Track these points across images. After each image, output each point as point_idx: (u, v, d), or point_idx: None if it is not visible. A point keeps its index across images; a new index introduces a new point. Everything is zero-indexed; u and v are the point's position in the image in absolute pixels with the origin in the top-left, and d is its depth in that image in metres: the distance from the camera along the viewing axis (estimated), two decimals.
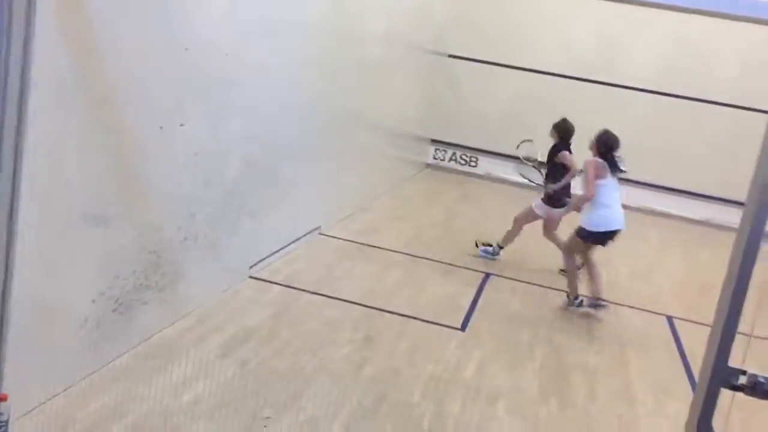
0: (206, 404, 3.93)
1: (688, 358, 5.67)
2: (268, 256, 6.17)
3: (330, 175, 7.39)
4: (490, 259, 7.36)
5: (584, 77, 11.56)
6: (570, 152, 6.98)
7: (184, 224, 4.72)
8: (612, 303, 6.79)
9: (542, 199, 7.14)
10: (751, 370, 1.93)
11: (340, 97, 7.29)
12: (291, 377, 4.37)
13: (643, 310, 6.77)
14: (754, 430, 4.56)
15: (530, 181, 7.61)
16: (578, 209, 6.43)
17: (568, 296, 6.32)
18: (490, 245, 7.42)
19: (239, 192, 5.38)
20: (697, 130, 11.25)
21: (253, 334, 4.85)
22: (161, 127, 4.27)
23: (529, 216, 7.23)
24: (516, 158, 8.05)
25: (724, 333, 1.91)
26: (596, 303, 6.19)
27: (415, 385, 4.53)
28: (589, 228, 6.08)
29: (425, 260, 7.12)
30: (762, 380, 1.90)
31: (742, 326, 1.95)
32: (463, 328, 5.60)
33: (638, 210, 11.37)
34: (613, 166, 6.10)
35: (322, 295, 5.75)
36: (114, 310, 4.08)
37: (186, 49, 4.34)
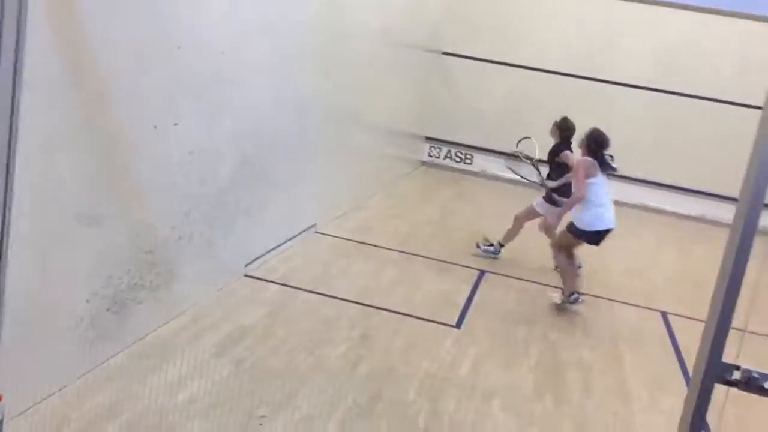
0: (201, 403, 3.93)
1: (683, 354, 5.69)
2: (263, 255, 6.16)
3: (325, 173, 7.39)
4: (491, 257, 7.36)
5: (579, 74, 11.59)
6: (571, 151, 6.99)
7: (179, 223, 4.71)
8: (606, 299, 6.83)
9: (543, 197, 7.14)
10: (745, 366, 1.94)
11: (335, 95, 7.29)
12: (286, 376, 4.37)
13: (637, 306, 6.79)
14: (749, 425, 4.57)
15: (521, 177, 7.59)
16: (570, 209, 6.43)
17: (562, 292, 6.32)
18: (492, 244, 7.42)
19: (234, 190, 5.37)
20: (691, 126, 11.29)
21: (249, 333, 4.85)
22: (155, 126, 4.26)
23: (530, 214, 7.23)
24: (508, 154, 8.05)
25: (717, 328, 1.91)
26: (574, 297, 6.17)
27: (411, 383, 4.53)
28: (581, 227, 6.06)
29: (421, 258, 7.12)
30: (756, 375, 1.91)
31: (736, 322, 1.95)
32: (458, 325, 5.61)
33: (633, 206, 11.42)
34: (604, 165, 6.09)
35: (318, 293, 5.75)
36: (108, 310, 4.07)
37: (179, 47, 4.33)
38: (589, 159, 6.06)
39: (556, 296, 6.29)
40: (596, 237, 6.13)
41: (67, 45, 3.43)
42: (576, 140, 6.97)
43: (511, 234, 7.32)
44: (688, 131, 11.31)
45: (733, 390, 1.95)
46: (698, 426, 2.00)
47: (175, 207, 4.65)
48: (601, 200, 6.04)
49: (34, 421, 3.50)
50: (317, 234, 7.30)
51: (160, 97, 4.27)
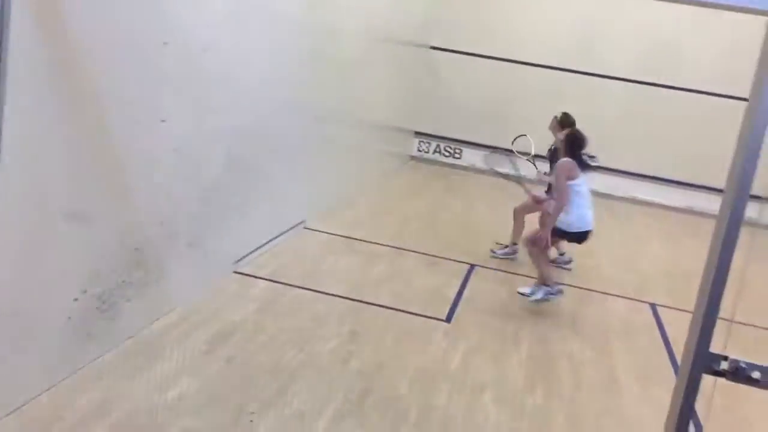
0: (191, 400, 3.92)
1: (672, 345, 5.73)
2: (252, 251, 6.15)
3: (314, 168, 7.37)
4: (511, 259, 7.34)
5: (566, 67, 11.62)
6: None
7: (167, 220, 4.69)
8: (596, 291, 6.86)
9: (546, 191, 7.14)
10: (732, 356, 1.95)
11: (323, 91, 7.27)
12: (277, 372, 4.36)
13: (626, 298, 6.82)
14: (737, 415, 4.61)
15: (499, 172, 7.42)
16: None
17: (539, 284, 6.20)
18: (506, 246, 7.42)
19: (222, 187, 5.35)
20: (678, 118, 11.35)
21: (239, 330, 4.84)
22: (142, 123, 4.24)
23: (527, 207, 7.23)
24: (493, 148, 8.02)
25: (705, 319, 1.92)
26: (556, 289, 6.11)
27: (402, 378, 4.53)
28: (564, 228, 5.98)
29: (410, 252, 7.13)
30: (743, 365, 1.92)
31: (723, 312, 1.96)
32: (448, 319, 5.62)
33: (621, 199, 11.49)
34: (583, 165, 6.08)
35: (308, 289, 5.74)
36: (97, 308, 4.05)
37: (165, 43, 4.30)
38: (570, 160, 6.01)
39: (534, 293, 6.10)
40: (578, 237, 6.11)
41: (52, 41, 3.41)
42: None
43: (517, 230, 7.32)
44: (675, 123, 11.37)
45: (722, 380, 1.96)
46: (687, 416, 2.01)
47: (163, 204, 4.63)
48: (582, 201, 5.98)
49: (23, 420, 3.48)
50: (306, 230, 7.29)
51: (147, 93, 4.25)
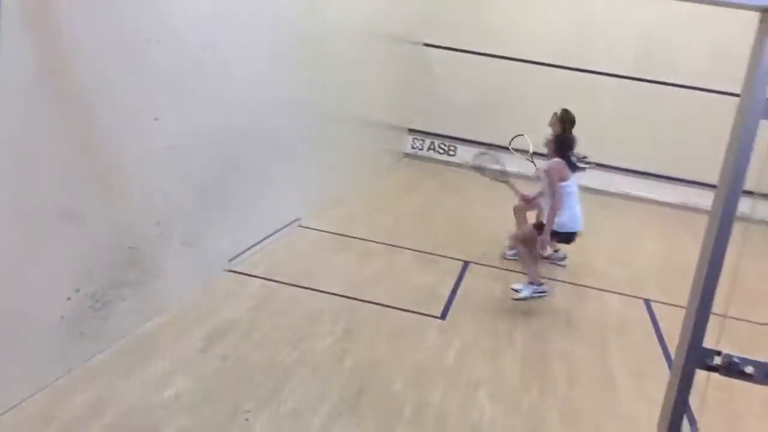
0: (187, 399, 3.91)
1: (666, 341, 5.74)
2: (247, 250, 6.14)
3: (308, 166, 7.36)
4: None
5: (560, 64, 11.62)
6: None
7: (161, 219, 4.68)
8: (590, 288, 6.87)
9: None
10: (725, 351, 1.96)
11: (317, 88, 7.26)
12: (272, 370, 4.36)
13: (621, 294, 6.83)
14: (731, 409, 4.63)
15: (487, 174, 7.34)
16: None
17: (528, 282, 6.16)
18: (513, 246, 7.39)
19: (216, 185, 5.34)
20: (671, 114, 11.37)
21: (234, 328, 4.83)
22: (135, 122, 4.22)
23: (527, 205, 7.21)
24: (483, 145, 7.98)
25: (698, 314, 1.93)
26: (545, 287, 6.09)
27: (396, 375, 4.53)
28: (555, 228, 5.93)
29: (405, 250, 7.13)
30: (736, 360, 1.93)
31: (716, 308, 1.97)
32: (443, 316, 5.62)
33: (615, 195, 11.50)
34: (572, 166, 6.07)
35: (302, 287, 5.74)
36: (91, 307, 4.04)
37: (158, 41, 4.29)
38: (561, 161, 6.00)
39: (521, 291, 5.99)
40: (567, 237, 6.11)
41: (43, 40, 3.39)
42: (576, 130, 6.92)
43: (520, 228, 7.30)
44: (669, 119, 11.39)
45: (715, 375, 1.97)
46: (681, 411, 2.01)
47: (156, 202, 4.61)
48: (572, 202, 5.98)
49: (17, 420, 3.48)
50: (301, 228, 7.28)
51: (140, 92, 4.24)
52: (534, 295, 5.95)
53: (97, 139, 3.94)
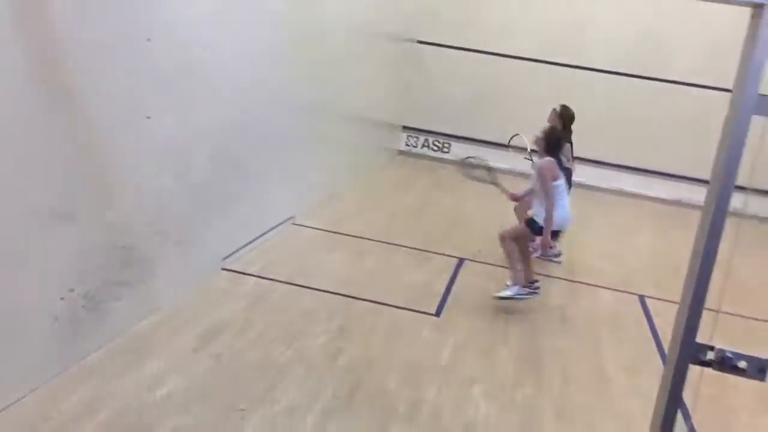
0: (181, 398, 3.90)
1: (660, 336, 5.76)
2: (241, 248, 6.13)
3: (302, 164, 7.35)
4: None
5: (553, 60, 11.63)
6: (571, 143, 7.04)
7: (155, 218, 4.67)
8: (584, 284, 6.88)
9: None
10: (719, 346, 1.96)
11: (310, 86, 7.25)
12: (266, 369, 4.35)
13: (615, 290, 6.85)
14: (724, 404, 4.64)
15: (471, 176, 7.29)
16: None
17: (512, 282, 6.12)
18: None
19: (210, 184, 5.33)
20: (665, 110, 11.39)
21: (228, 327, 4.83)
22: (127, 120, 4.21)
23: (526, 204, 7.19)
24: (473, 153, 7.96)
25: (691, 309, 1.93)
26: (535, 286, 6.06)
27: (391, 373, 4.54)
28: (543, 225, 5.93)
29: (399, 247, 7.12)
30: (730, 355, 1.93)
31: (710, 303, 1.97)
32: (437, 314, 5.62)
33: (608, 191, 11.52)
34: (560, 164, 6.06)
35: (296, 285, 5.73)
36: (84, 307, 4.03)
37: (149, 39, 4.28)
38: (552, 160, 5.97)
39: (502, 291, 5.95)
40: (554, 235, 6.09)
41: (35, 38, 3.38)
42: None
43: None
44: (661, 115, 11.41)
45: (708, 370, 1.97)
46: (675, 406, 2.02)
47: (150, 201, 4.60)
48: (563, 200, 5.97)
49: (10, 420, 3.47)
50: (295, 226, 7.27)
51: (132, 90, 4.22)
52: (518, 296, 5.90)
53: (91, 139, 3.93)
